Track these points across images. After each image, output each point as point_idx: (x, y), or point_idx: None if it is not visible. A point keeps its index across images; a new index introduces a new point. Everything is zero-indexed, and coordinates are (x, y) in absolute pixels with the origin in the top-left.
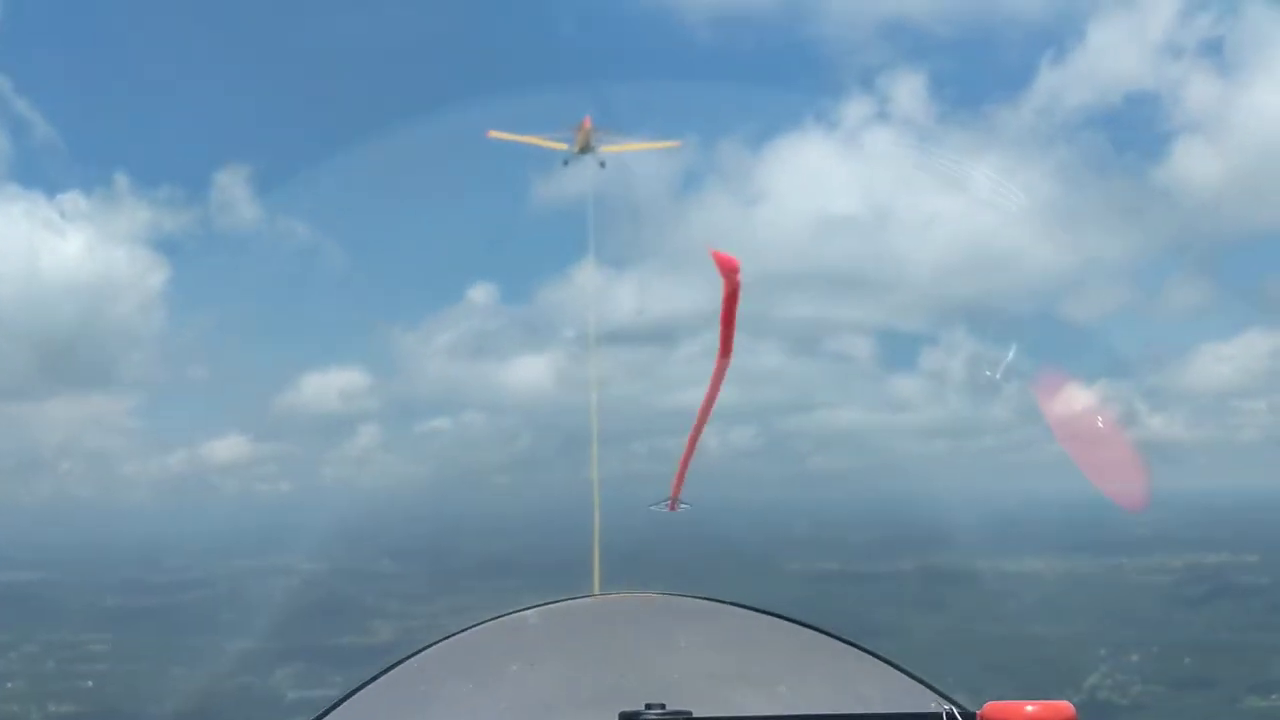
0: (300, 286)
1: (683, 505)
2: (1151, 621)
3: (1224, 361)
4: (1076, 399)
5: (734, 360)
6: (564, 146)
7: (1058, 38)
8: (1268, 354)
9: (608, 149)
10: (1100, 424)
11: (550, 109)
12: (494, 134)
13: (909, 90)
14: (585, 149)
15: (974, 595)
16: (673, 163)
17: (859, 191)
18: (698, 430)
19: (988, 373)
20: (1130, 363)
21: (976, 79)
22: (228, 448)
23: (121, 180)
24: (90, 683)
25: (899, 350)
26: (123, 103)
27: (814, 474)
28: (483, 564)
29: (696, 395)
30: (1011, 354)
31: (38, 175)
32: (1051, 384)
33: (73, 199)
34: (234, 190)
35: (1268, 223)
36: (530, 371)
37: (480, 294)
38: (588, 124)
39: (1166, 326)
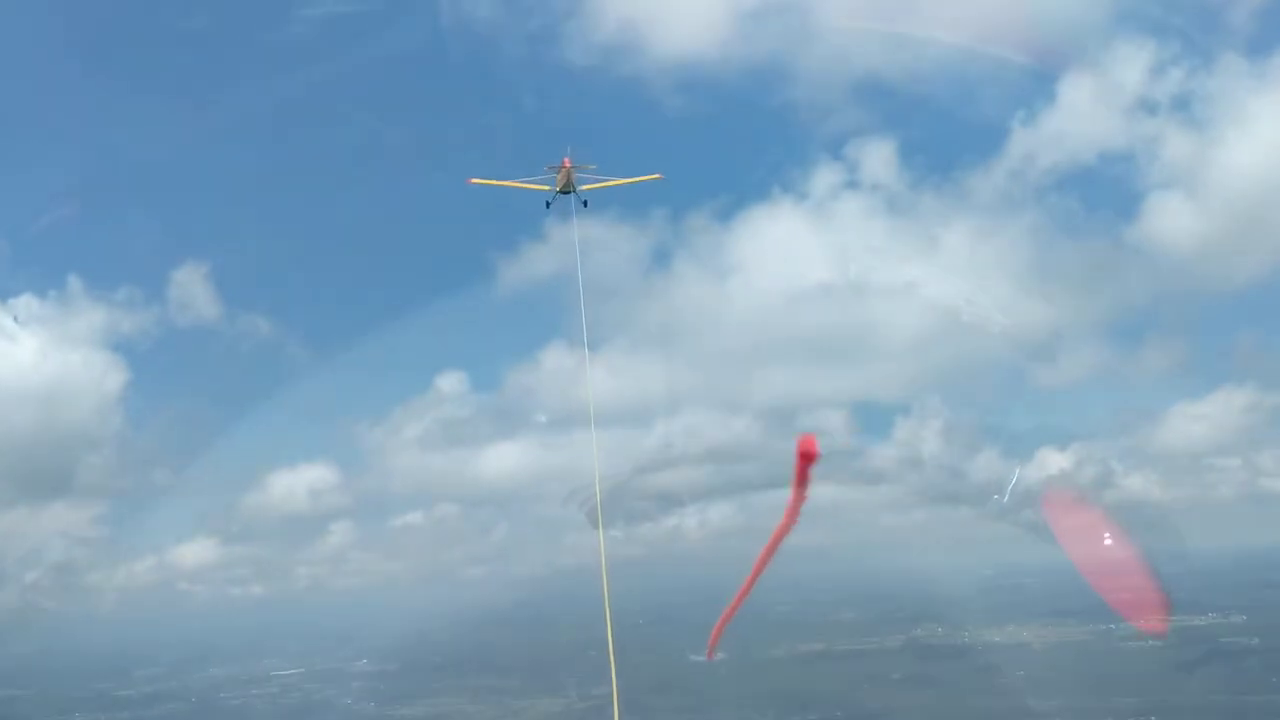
0: (264, 383)
1: (719, 655)
2: (1148, 688)
3: (1198, 420)
4: (1088, 520)
5: (711, 437)
6: (545, 188)
7: (1028, 98)
8: (1241, 411)
9: (589, 187)
10: (1113, 549)
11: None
12: (474, 180)
13: (879, 157)
14: (567, 189)
15: (964, 669)
16: (643, 239)
17: (831, 261)
18: (748, 585)
19: (995, 496)
20: (1105, 425)
21: (947, 143)
22: (196, 552)
23: (75, 282)
24: None
25: (874, 420)
26: (77, 203)
27: (795, 551)
28: (460, 660)
29: (666, 478)
30: (1016, 476)
31: None
32: (1060, 503)
33: (25, 303)
34: (193, 288)
35: (1241, 280)
36: (503, 459)
37: (448, 382)
38: (568, 163)
39: (1141, 387)
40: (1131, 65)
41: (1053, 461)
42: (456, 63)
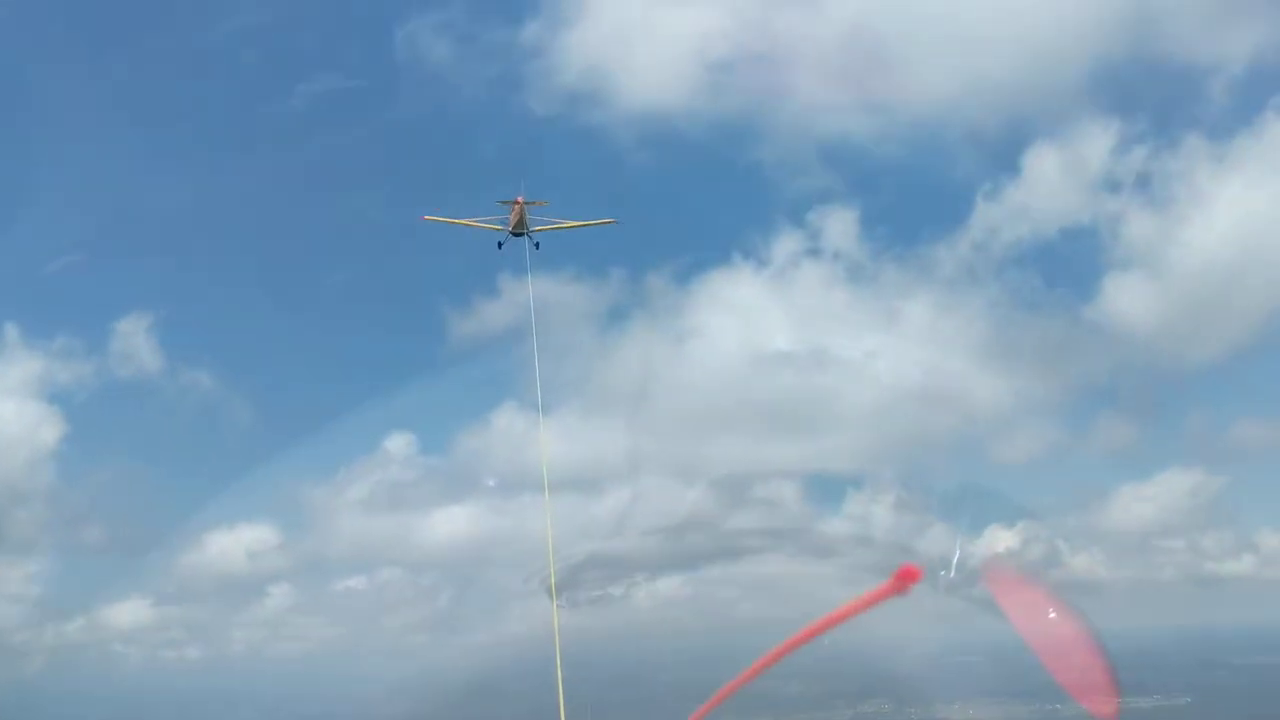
0: (204, 439)
1: None
2: None
3: (1145, 501)
4: (1031, 596)
5: (660, 506)
6: (499, 228)
7: (993, 171)
8: (1186, 493)
9: (541, 229)
10: (1059, 625)
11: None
12: (428, 218)
13: (842, 225)
14: (519, 229)
15: None
16: (599, 298)
17: (790, 329)
18: (755, 670)
19: (942, 573)
20: (1055, 503)
21: (911, 213)
22: (130, 612)
23: (11, 330)
24: None
25: (826, 492)
26: (15, 246)
27: (742, 622)
28: None
29: (615, 544)
30: (958, 553)
31: None
32: (1003, 578)
33: None
34: (135, 339)
35: (1195, 361)
36: (450, 523)
37: (396, 443)
38: (521, 201)
39: (1092, 465)
40: (1096, 141)
41: (1000, 539)
42: (409, 102)
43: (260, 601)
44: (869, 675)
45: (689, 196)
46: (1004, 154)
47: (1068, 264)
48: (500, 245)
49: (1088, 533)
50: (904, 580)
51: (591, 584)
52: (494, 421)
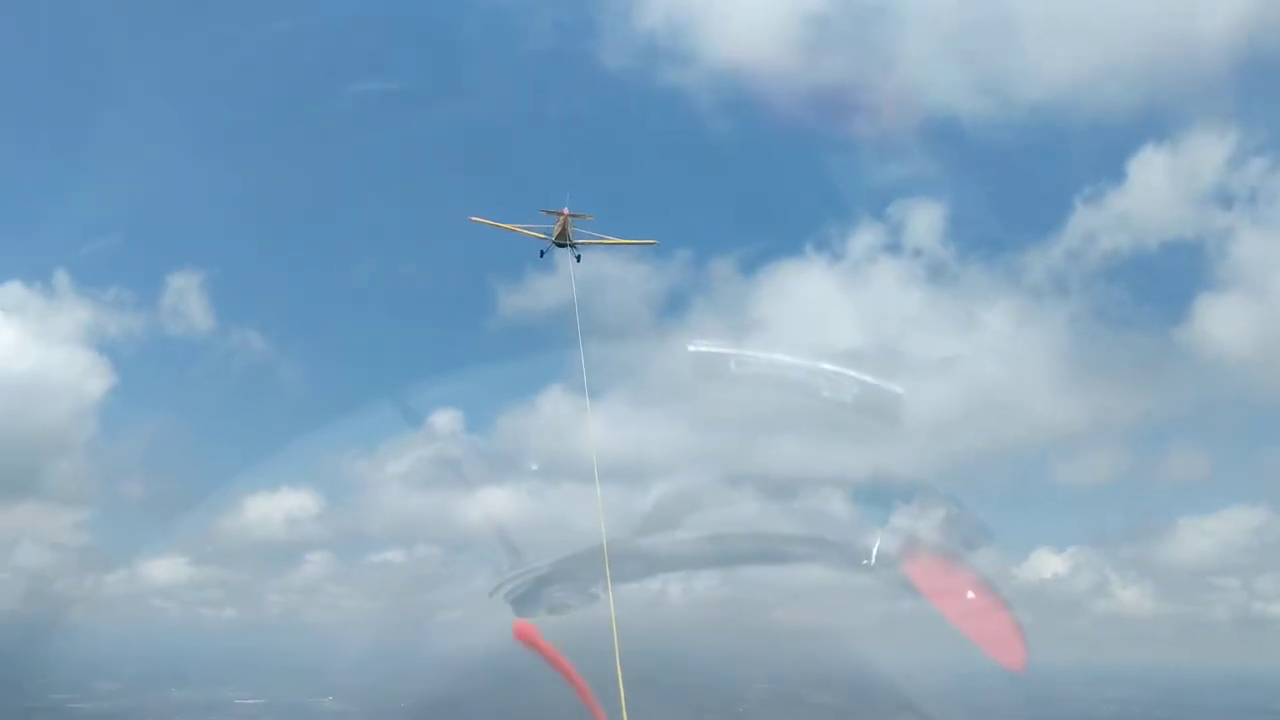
0: (251, 402)
1: None
2: None
3: (1205, 536)
4: (952, 575)
5: (703, 504)
6: (542, 236)
7: (1096, 174)
8: (1249, 531)
9: (584, 243)
10: (972, 596)
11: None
12: (474, 219)
13: (926, 221)
14: (562, 241)
15: None
16: (660, 280)
17: (859, 328)
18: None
19: (864, 561)
20: (1111, 531)
21: (1004, 212)
22: (169, 568)
23: (63, 276)
24: None
25: (875, 503)
26: (78, 191)
27: (778, 628)
28: (427, 708)
29: (654, 539)
30: (878, 543)
31: None
32: (927, 562)
33: (11, 290)
34: (188, 296)
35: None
36: (490, 504)
37: (443, 420)
38: (566, 213)
39: (1156, 495)
40: (1211, 150)
41: (1048, 564)
42: (472, 51)
43: (297, 568)
44: (899, 692)
45: (766, 176)
46: (1110, 157)
47: (1163, 280)
48: (542, 254)
49: (1141, 564)
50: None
51: (627, 577)
52: (540, 405)
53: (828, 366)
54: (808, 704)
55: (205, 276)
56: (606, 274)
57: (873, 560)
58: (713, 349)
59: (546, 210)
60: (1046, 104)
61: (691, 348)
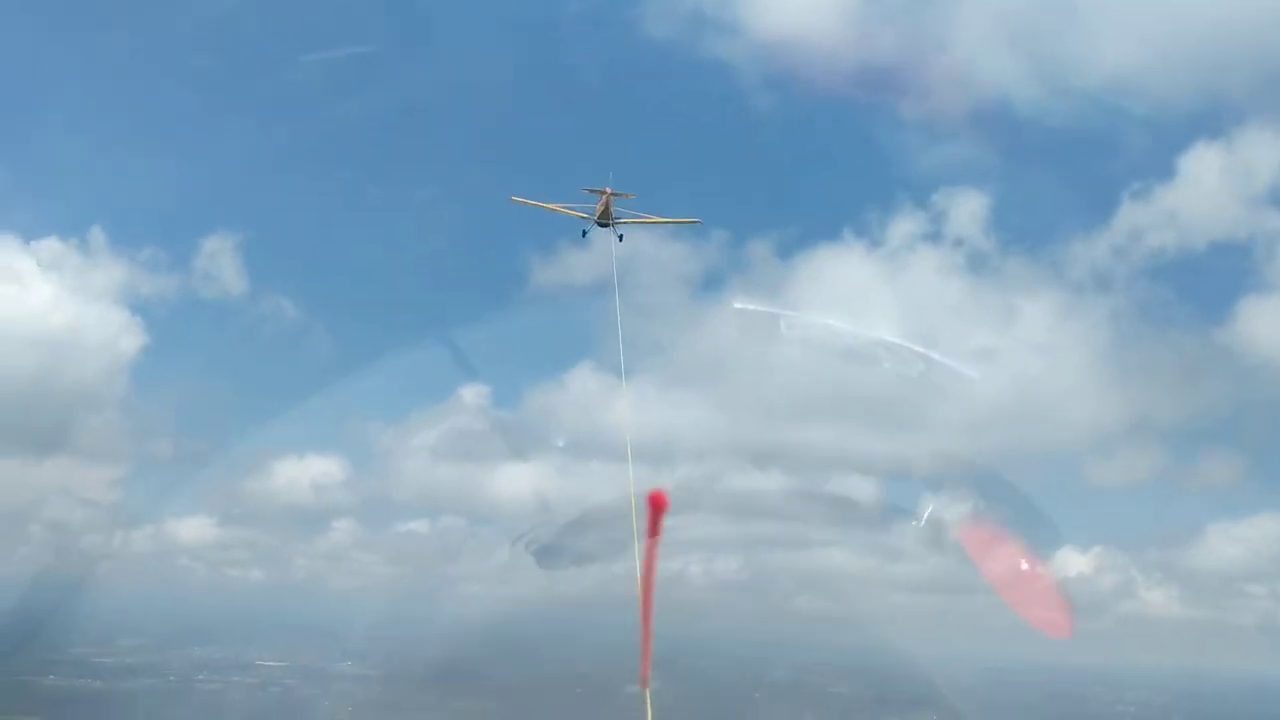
0: (281, 367)
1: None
2: None
3: (1235, 542)
4: (1001, 544)
5: (730, 488)
6: (584, 216)
7: (1145, 169)
8: None
9: (626, 222)
10: (1024, 566)
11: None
12: (516, 199)
13: (969, 210)
14: (604, 220)
15: None
16: (695, 261)
17: (895, 318)
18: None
19: (913, 523)
20: (1140, 533)
21: (1049, 204)
22: (196, 528)
23: (98, 234)
24: None
25: (905, 494)
26: (116, 148)
27: (798, 614)
28: (444, 677)
29: (678, 521)
30: (930, 508)
31: (12, 218)
32: (981, 536)
33: (49, 246)
34: (221, 259)
35: None
36: (515, 479)
37: (471, 393)
38: (609, 192)
39: (1188, 498)
40: (1265, 149)
41: (1073, 563)
42: (511, 21)
43: (324, 534)
44: (920, 684)
45: (808, 157)
46: (1161, 152)
47: (1208, 281)
48: (585, 234)
49: (1168, 567)
50: (655, 506)
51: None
52: (569, 382)
53: (889, 338)
54: (827, 693)
55: (239, 240)
56: (641, 252)
57: (922, 522)
58: (759, 308)
59: (589, 189)
60: (1101, 93)
61: (737, 305)
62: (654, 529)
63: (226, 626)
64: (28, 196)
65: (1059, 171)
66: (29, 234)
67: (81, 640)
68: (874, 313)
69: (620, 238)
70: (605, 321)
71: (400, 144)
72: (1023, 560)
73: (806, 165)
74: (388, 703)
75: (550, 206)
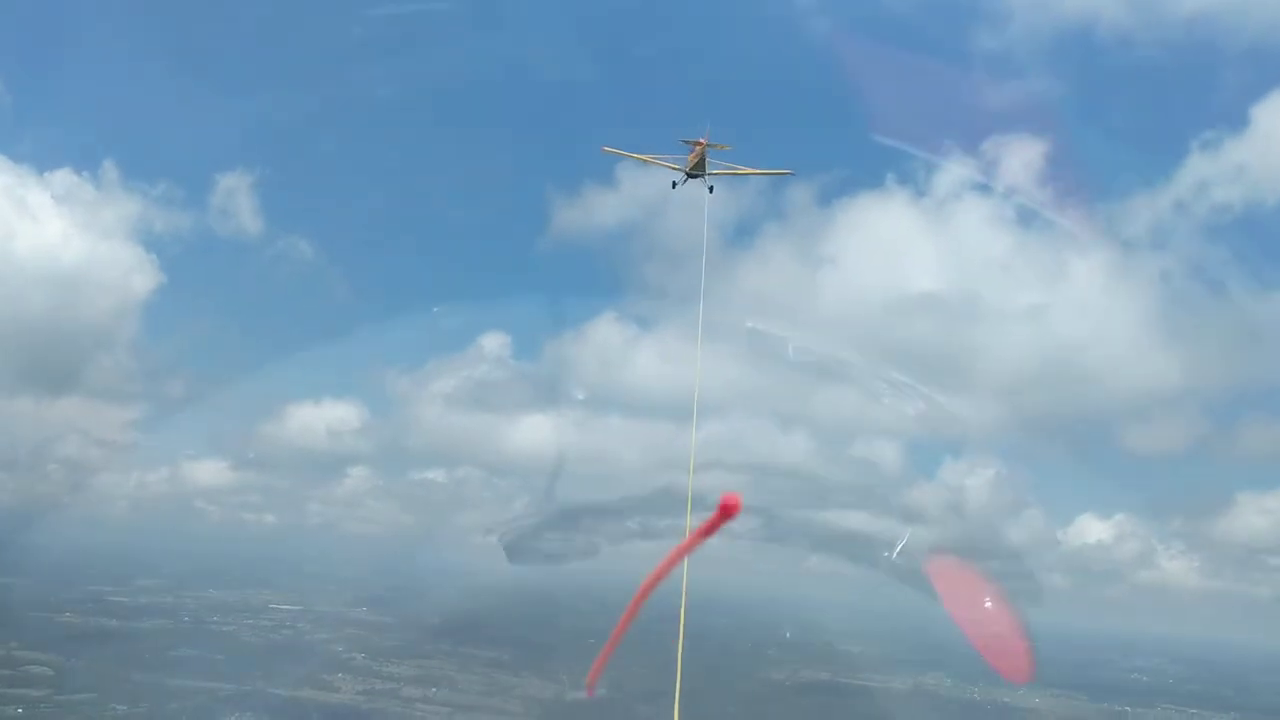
0: (297, 309)
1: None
2: None
3: (1262, 514)
4: (968, 580)
5: (753, 446)
6: (675, 168)
7: (1217, 116)
8: None
9: (718, 173)
10: (988, 604)
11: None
12: (608, 150)
13: (1023, 157)
14: (696, 171)
15: None
16: (729, 201)
17: (937, 271)
18: (626, 620)
19: (885, 554)
20: (1166, 500)
21: (1110, 151)
22: (212, 471)
23: (111, 168)
24: (20, 709)
25: (927, 456)
26: (131, 80)
27: (812, 572)
28: (457, 625)
29: (696, 479)
30: (906, 538)
31: (24, 148)
32: (944, 566)
33: (62, 178)
34: (238, 196)
35: None
36: (534, 431)
37: (492, 343)
38: (704, 143)
39: (1220, 467)
40: None
41: (1092, 529)
42: None
43: (339, 481)
44: (932, 648)
45: (855, 94)
46: (1236, 98)
47: (1271, 242)
48: (675, 185)
49: (1191, 536)
50: (726, 511)
51: (662, 514)
52: (590, 333)
53: (895, 375)
54: (836, 650)
55: (256, 179)
56: (671, 193)
57: (895, 555)
58: (770, 330)
59: (685, 140)
60: (1194, 23)
61: (749, 324)
62: (712, 529)
63: (241, 570)
64: (41, 124)
65: (1127, 114)
66: (42, 164)
67: (97, 578)
68: (916, 265)
69: (710, 189)
70: (627, 270)
71: (428, 91)
72: (986, 598)
73: (852, 104)
74: (399, 649)
75: (642, 157)
